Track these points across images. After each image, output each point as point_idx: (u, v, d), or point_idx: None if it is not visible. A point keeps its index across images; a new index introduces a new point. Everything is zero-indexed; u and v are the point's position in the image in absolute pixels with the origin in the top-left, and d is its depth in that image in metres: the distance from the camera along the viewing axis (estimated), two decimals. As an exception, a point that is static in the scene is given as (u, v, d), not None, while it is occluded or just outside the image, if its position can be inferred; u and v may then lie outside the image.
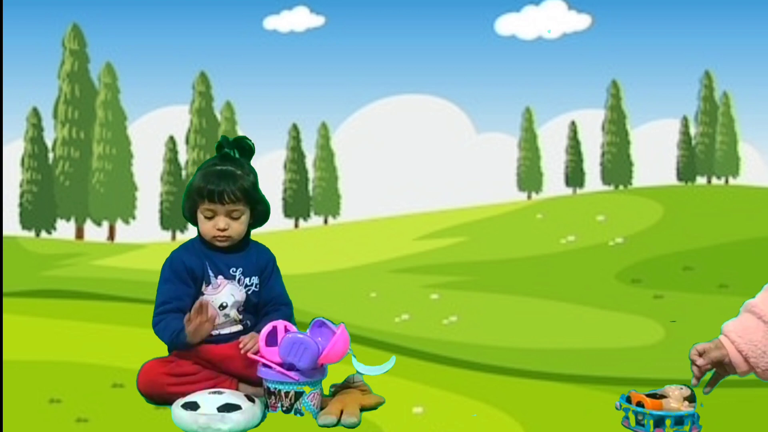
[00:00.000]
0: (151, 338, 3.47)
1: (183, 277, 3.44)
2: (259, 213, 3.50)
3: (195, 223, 3.51)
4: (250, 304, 3.52)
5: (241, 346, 3.38)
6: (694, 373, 3.14)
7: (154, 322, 3.42)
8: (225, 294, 3.47)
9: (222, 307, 3.46)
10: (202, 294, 3.45)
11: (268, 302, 3.54)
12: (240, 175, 3.43)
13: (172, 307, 3.40)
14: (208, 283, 3.46)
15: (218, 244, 3.46)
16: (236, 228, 3.44)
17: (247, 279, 3.50)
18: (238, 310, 3.51)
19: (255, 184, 3.47)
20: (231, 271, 3.48)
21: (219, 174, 3.42)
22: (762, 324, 3.12)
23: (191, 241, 3.54)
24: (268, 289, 3.55)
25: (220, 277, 3.47)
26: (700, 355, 3.13)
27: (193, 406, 3.16)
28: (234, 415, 3.15)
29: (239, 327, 3.51)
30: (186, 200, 3.49)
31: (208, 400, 3.18)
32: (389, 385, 3.67)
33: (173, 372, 3.36)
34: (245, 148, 3.51)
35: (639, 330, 11.95)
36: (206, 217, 3.43)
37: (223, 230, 3.42)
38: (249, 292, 3.51)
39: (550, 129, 44.21)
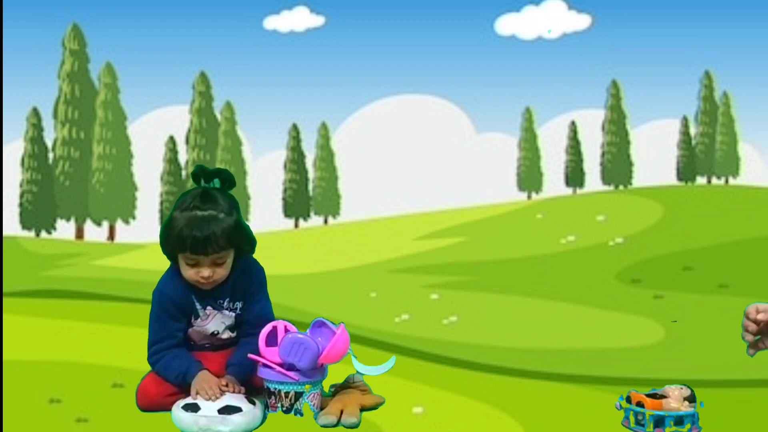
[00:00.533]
0: (151, 338, 3.46)
1: (172, 313, 3.36)
2: (245, 249, 3.38)
3: (175, 262, 3.36)
4: (237, 323, 3.49)
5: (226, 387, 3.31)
6: (747, 328, 2.91)
7: (150, 362, 3.36)
8: (215, 323, 3.43)
9: (213, 334, 3.44)
10: (192, 326, 3.41)
11: (249, 321, 3.45)
12: (223, 219, 3.25)
13: (164, 346, 3.34)
14: (197, 316, 3.40)
15: (201, 287, 3.35)
16: (221, 273, 3.31)
17: (232, 304, 3.44)
18: (230, 329, 3.50)
19: (238, 221, 3.31)
20: (219, 301, 3.41)
21: (201, 221, 3.23)
22: None
23: (173, 274, 3.38)
24: (249, 310, 3.45)
25: (208, 308, 3.40)
26: (759, 312, 2.90)
27: (193, 408, 3.16)
28: (235, 417, 3.14)
29: (233, 334, 3.50)
30: (166, 241, 3.31)
31: (209, 402, 3.17)
32: (389, 385, 3.67)
33: (171, 391, 3.32)
34: (226, 180, 3.36)
35: (639, 330, 11.95)
36: (188, 265, 3.30)
37: (208, 277, 3.30)
38: (235, 314, 3.46)
39: (550, 129, 44.24)
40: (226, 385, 3.28)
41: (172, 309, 3.35)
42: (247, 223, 3.44)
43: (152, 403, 3.33)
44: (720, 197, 23.87)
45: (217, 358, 3.41)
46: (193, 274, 3.30)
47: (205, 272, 3.28)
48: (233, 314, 3.45)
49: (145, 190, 37.93)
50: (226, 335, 3.46)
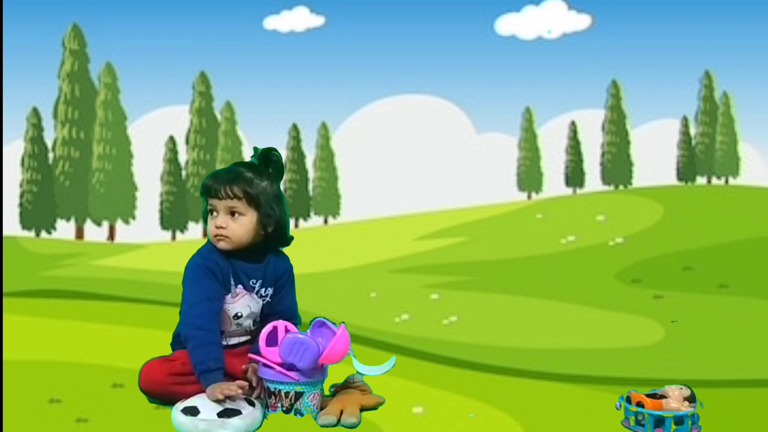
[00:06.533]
0: (151, 338, 3.47)
1: (218, 276, 3.36)
2: (270, 222, 3.37)
3: None
4: (262, 315, 3.51)
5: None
6: None
7: (197, 323, 3.26)
8: (241, 304, 3.44)
9: (237, 316, 3.44)
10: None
11: (275, 314, 3.49)
12: (247, 177, 3.34)
13: (215, 308, 3.31)
14: (228, 291, 3.40)
15: (218, 245, 3.36)
16: (235, 229, 3.34)
17: (263, 290, 3.47)
18: (253, 321, 3.49)
19: (267, 192, 3.35)
20: (251, 282, 3.43)
21: (223, 171, 3.39)
22: None
23: (212, 245, 3.44)
24: (279, 302, 3.50)
25: (239, 286, 3.42)
26: None
27: (192, 411, 3.14)
28: (234, 421, 3.13)
29: (248, 337, 3.50)
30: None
31: (208, 405, 3.16)
32: (389, 385, 3.68)
33: (175, 371, 3.34)
34: (271, 160, 3.42)
35: (639, 330, 11.93)
36: (211, 215, 3.38)
37: (221, 228, 3.34)
38: (264, 302, 3.49)
39: (550, 129, 44.21)
40: (246, 374, 3.33)
41: (217, 271, 3.35)
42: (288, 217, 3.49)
43: (155, 383, 3.33)
44: (720, 197, 23.85)
45: (229, 360, 3.41)
46: (211, 228, 3.35)
47: (219, 220, 3.33)
48: (261, 301, 3.46)
49: (145, 190, 37.91)
50: (246, 323, 3.46)
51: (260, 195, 3.34)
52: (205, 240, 3.53)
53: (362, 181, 44.90)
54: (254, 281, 3.43)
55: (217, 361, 3.23)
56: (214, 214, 3.36)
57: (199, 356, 3.24)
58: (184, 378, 3.31)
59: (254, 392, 3.34)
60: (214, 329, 3.29)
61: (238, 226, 3.35)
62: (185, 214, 37.87)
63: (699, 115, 43.22)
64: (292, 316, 3.50)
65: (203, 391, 3.23)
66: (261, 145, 3.50)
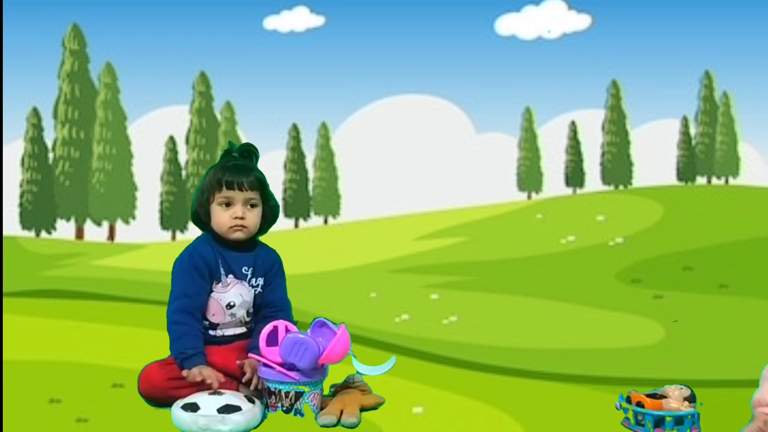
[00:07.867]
0: (151, 338, 3.47)
1: (202, 272, 3.44)
2: (270, 210, 3.53)
3: (203, 223, 3.51)
4: (255, 307, 3.53)
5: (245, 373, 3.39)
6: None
7: (172, 319, 3.39)
8: (233, 293, 3.47)
9: (229, 306, 3.47)
10: (212, 291, 3.45)
11: (267, 305, 3.54)
12: (254, 168, 3.51)
13: (191, 304, 3.40)
14: (219, 281, 3.46)
15: (233, 235, 3.44)
16: (252, 219, 3.46)
17: (254, 279, 3.52)
18: (247, 312, 3.51)
19: (267, 181, 3.55)
20: (243, 270, 3.49)
21: (236, 165, 3.49)
22: None
23: (205, 237, 3.53)
24: (270, 292, 3.55)
25: (230, 276, 3.48)
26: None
27: (193, 408, 3.16)
28: (234, 417, 3.14)
29: (243, 329, 3.52)
30: (198, 195, 3.49)
31: (208, 401, 3.17)
32: (389, 385, 3.68)
33: (174, 375, 3.35)
34: (253, 153, 3.56)
35: (639, 330, 11.94)
36: (223, 207, 3.44)
37: (241, 218, 3.43)
38: (255, 293, 3.52)
39: (550, 129, 44.17)
40: (243, 369, 3.35)
41: (202, 266, 3.44)
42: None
43: (154, 388, 3.36)
44: (720, 197, 23.85)
45: (223, 352, 3.42)
46: (226, 218, 3.45)
47: (239, 211, 3.43)
48: (253, 290, 3.50)
49: (145, 190, 37.89)
50: (240, 313, 3.49)
51: (266, 185, 3.53)
52: None
53: (362, 181, 44.89)
54: (246, 268, 3.50)
55: (194, 348, 3.35)
56: (228, 205, 3.44)
57: (177, 348, 3.36)
58: (184, 382, 3.32)
59: (251, 385, 3.35)
60: (189, 322, 3.38)
61: (255, 216, 3.48)
62: (185, 214, 37.84)
63: (699, 115, 43.20)
64: (284, 307, 3.56)
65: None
66: (261, 146, 3.59)
